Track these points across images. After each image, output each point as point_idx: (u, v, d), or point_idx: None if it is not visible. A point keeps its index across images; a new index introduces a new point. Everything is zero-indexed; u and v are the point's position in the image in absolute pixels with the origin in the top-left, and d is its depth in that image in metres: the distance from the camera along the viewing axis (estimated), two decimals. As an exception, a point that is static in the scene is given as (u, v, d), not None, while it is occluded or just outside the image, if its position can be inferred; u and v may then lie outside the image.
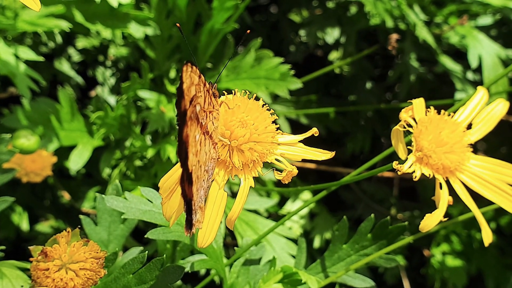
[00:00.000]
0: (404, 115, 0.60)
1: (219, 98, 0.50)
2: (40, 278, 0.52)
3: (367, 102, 1.21)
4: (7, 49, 0.81)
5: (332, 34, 1.16)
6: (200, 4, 0.97)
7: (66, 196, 1.09)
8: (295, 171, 0.51)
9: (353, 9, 1.15)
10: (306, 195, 1.23)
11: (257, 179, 1.16)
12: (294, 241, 0.93)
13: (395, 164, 0.56)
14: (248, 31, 0.58)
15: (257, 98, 0.53)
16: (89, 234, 0.71)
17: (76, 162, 0.93)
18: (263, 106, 0.52)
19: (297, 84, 0.93)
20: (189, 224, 0.47)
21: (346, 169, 1.20)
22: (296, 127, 1.17)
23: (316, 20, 1.17)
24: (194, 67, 0.43)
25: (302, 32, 1.18)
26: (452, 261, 1.18)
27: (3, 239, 1.09)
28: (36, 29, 0.83)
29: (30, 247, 0.54)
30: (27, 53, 0.82)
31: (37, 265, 0.52)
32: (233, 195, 1.06)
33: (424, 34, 0.96)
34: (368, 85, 1.23)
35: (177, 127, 0.42)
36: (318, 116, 1.20)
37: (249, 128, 0.50)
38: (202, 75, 0.45)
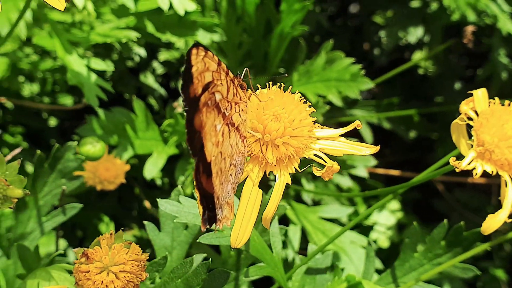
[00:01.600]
0: (465, 107, 0.54)
1: (247, 90, 0.48)
2: (82, 281, 0.51)
3: (455, 104, 1.12)
4: (80, 60, 0.83)
5: (415, 33, 1.09)
6: (268, 9, 0.96)
7: (147, 205, 1.11)
8: (336, 167, 0.47)
9: (434, 5, 1.08)
10: (394, 204, 1.17)
11: (339, 188, 1.12)
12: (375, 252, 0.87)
13: (452, 161, 0.50)
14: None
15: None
16: (153, 240, 0.71)
17: (150, 171, 0.94)
18: (300, 98, 0.49)
19: (368, 84, 0.88)
20: (211, 219, 0.44)
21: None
22: (378, 133, 1.11)
23: (398, 20, 1.11)
24: (209, 52, 0.41)
25: (382, 33, 1.13)
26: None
27: (92, 248, 1.13)
28: (106, 40, 0.86)
29: (74, 249, 0.54)
30: (99, 64, 0.85)
31: (79, 267, 0.51)
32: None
33: (508, 26, 0.87)
34: (457, 85, 1.14)
35: (185, 114, 0.40)
36: (403, 119, 1.13)
37: (283, 122, 0.47)
38: (222, 63, 0.42)
